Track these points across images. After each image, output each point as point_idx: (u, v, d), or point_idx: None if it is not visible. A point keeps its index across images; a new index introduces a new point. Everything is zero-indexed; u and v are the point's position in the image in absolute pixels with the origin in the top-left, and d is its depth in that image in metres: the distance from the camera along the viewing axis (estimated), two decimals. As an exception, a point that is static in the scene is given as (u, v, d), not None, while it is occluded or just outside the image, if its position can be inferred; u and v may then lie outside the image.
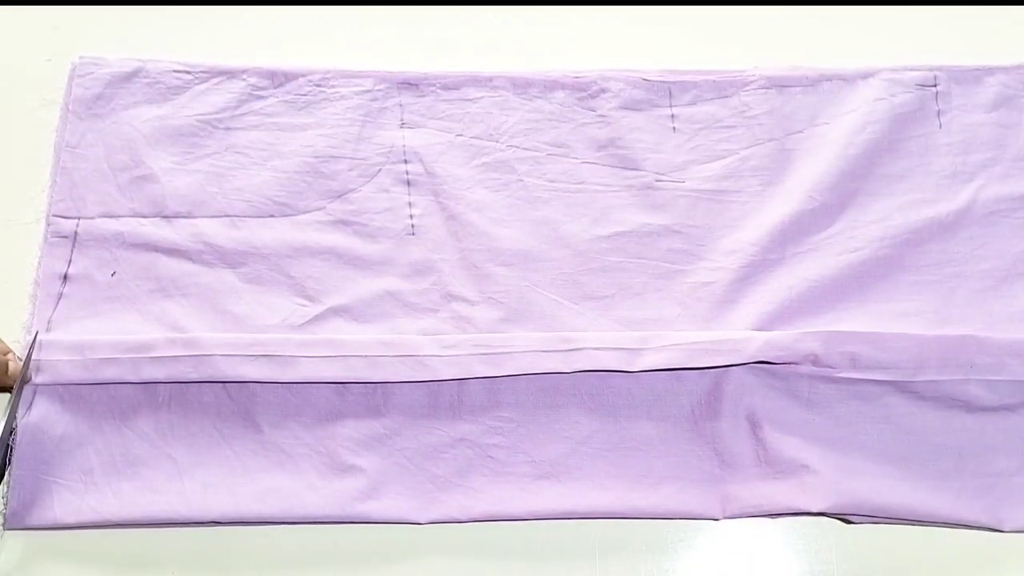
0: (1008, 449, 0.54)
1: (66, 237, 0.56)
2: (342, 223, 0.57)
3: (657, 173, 0.59)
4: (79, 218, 0.57)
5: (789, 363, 0.54)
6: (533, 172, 0.59)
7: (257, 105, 0.60)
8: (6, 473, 0.51)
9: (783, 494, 0.52)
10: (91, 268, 0.56)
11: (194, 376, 0.52)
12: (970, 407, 0.54)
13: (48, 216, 0.57)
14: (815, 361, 0.53)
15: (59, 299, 0.55)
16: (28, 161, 0.59)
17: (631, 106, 0.60)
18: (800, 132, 0.60)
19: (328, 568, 0.52)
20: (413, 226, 0.58)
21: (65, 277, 0.55)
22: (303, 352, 0.53)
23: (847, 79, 0.61)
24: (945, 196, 0.59)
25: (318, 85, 0.60)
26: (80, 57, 0.60)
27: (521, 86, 0.61)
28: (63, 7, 0.64)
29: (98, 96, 0.59)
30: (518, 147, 0.59)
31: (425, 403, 0.54)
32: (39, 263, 0.56)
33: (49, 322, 0.54)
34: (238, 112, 0.59)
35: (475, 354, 0.53)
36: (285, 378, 0.53)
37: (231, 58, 0.61)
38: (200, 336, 0.53)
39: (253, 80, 0.60)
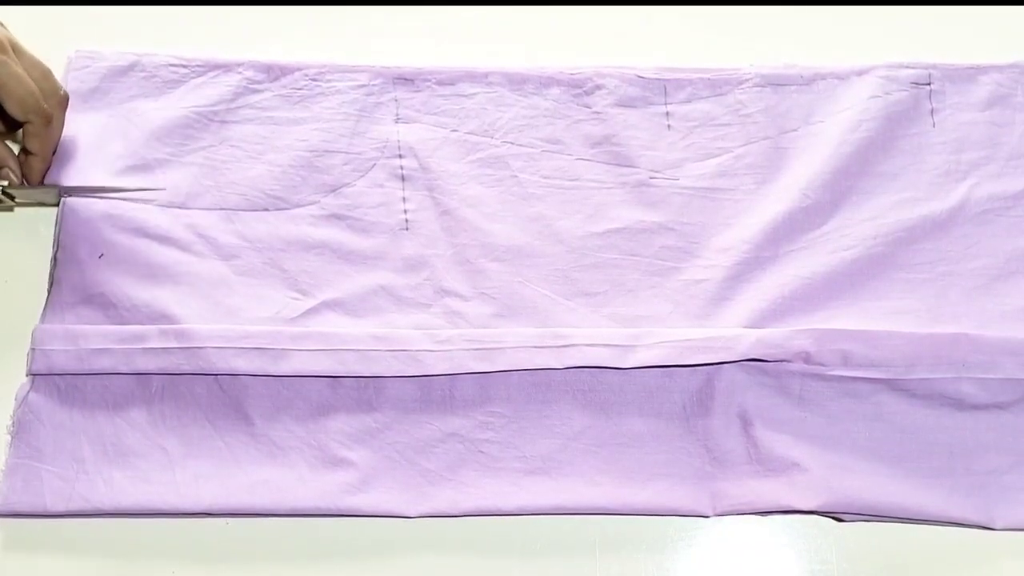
0: (1000, 447, 0.53)
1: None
2: (336, 217, 0.57)
3: (651, 170, 0.59)
4: (66, 196, 0.56)
5: (781, 361, 0.53)
6: (527, 168, 0.59)
7: (252, 99, 0.59)
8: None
9: (774, 491, 0.52)
10: (76, 246, 0.55)
11: (186, 368, 0.52)
12: (962, 405, 0.54)
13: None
14: (807, 359, 0.53)
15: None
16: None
17: (626, 103, 0.60)
18: (795, 130, 0.60)
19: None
20: (407, 221, 0.58)
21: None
22: (295, 345, 0.53)
23: (842, 77, 0.61)
24: (938, 194, 0.59)
25: (314, 79, 0.60)
26: (76, 51, 0.59)
27: (516, 82, 0.61)
28: (63, 7, 0.64)
29: (94, 90, 0.59)
30: (513, 143, 0.59)
31: (417, 397, 0.54)
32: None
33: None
34: (233, 105, 0.59)
35: (467, 349, 0.53)
36: (277, 371, 0.52)
37: (228, 54, 0.60)
38: (192, 328, 0.53)
39: (249, 74, 0.60)
